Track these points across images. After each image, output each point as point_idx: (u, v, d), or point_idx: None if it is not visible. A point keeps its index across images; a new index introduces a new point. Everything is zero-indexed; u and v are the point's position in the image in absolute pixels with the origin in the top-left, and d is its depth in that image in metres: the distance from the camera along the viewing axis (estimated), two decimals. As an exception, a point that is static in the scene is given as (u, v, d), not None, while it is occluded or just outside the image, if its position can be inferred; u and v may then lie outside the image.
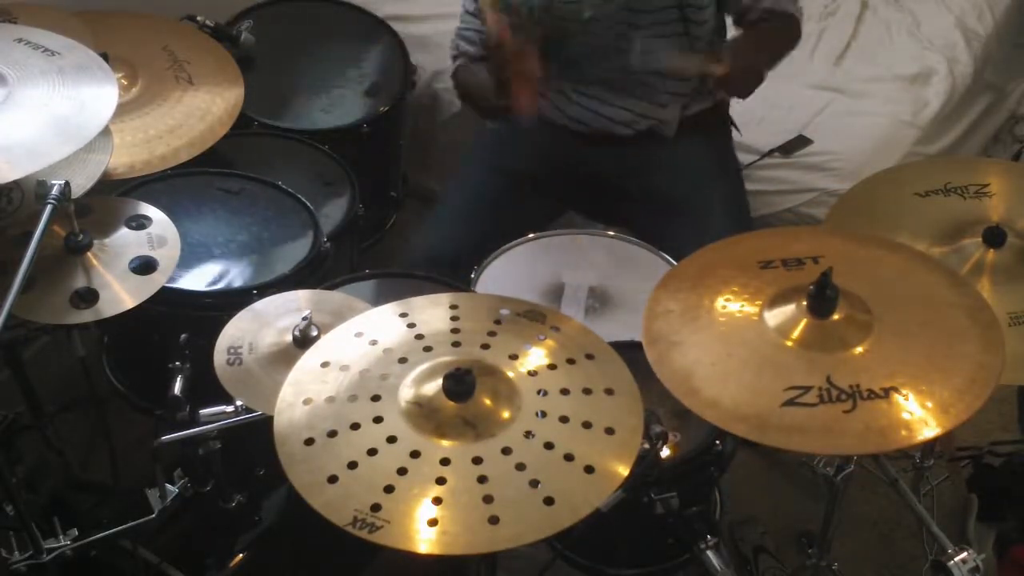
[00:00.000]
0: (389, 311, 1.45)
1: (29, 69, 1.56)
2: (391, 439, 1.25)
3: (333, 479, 1.21)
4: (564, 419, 1.28)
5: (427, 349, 1.37)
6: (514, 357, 1.36)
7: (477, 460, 1.23)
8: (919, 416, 1.30)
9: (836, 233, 1.69)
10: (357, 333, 1.41)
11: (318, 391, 1.32)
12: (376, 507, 1.18)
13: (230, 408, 1.54)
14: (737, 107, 2.31)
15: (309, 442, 1.26)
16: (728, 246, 1.61)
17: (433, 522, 1.17)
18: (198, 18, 2.22)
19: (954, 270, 1.57)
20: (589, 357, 1.37)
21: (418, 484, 1.21)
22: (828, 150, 2.53)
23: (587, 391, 1.32)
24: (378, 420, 1.28)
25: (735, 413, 1.33)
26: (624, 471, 1.24)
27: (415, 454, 1.24)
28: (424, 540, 1.16)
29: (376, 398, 1.30)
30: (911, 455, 2.00)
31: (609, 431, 1.27)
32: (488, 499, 1.19)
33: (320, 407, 1.30)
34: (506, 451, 1.24)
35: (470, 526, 1.17)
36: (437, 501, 1.19)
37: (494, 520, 1.17)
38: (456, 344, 1.38)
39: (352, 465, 1.23)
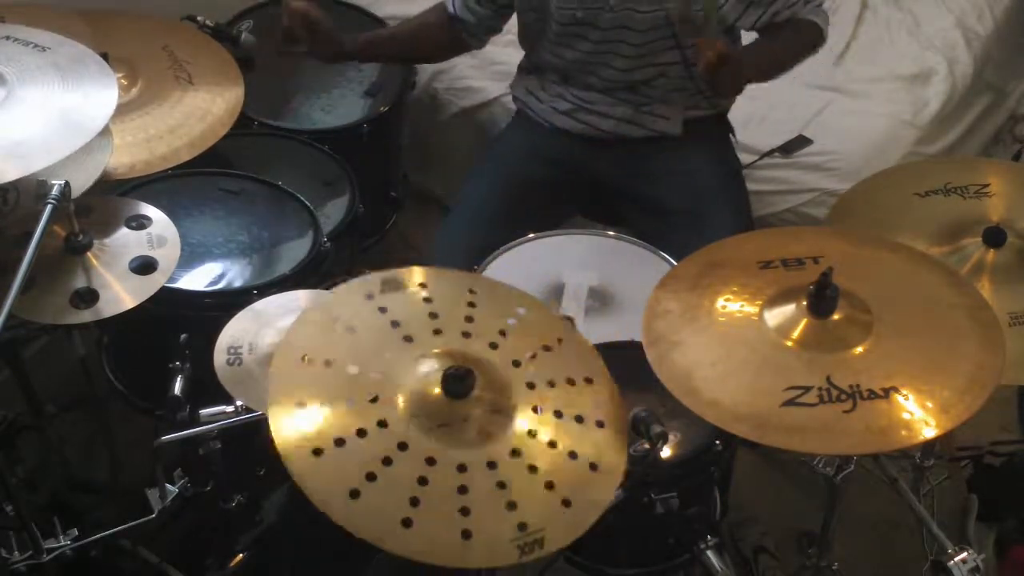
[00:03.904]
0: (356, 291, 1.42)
1: (25, 66, 1.56)
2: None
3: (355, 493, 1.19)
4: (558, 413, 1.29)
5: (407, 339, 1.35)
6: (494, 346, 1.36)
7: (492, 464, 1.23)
8: (919, 416, 1.30)
9: (836, 233, 1.69)
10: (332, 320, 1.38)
11: (310, 396, 1.29)
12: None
13: (230, 408, 1.54)
14: (737, 107, 2.31)
15: (317, 452, 1.23)
16: (728, 246, 1.61)
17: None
18: (198, 18, 2.22)
19: (954, 270, 1.57)
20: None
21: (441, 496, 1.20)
22: (828, 150, 2.53)
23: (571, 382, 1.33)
24: (381, 422, 1.26)
25: (735, 413, 1.33)
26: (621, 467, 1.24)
27: (430, 461, 1.23)
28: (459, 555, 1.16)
29: (375, 400, 1.29)
30: (911, 455, 2.00)
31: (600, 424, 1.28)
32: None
33: (319, 411, 1.28)
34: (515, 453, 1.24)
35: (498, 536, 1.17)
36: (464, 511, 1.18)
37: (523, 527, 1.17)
38: (437, 332, 1.36)
39: (371, 476, 1.20)
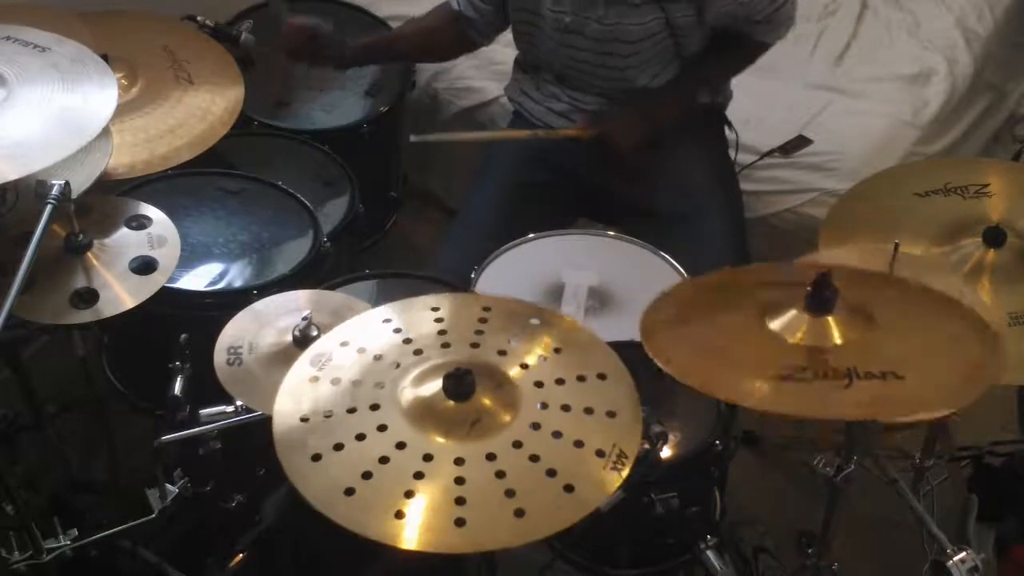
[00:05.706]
0: (374, 317, 1.44)
1: (25, 66, 1.56)
2: (400, 445, 1.24)
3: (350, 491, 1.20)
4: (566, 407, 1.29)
5: (417, 353, 1.36)
6: (503, 353, 1.36)
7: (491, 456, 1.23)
8: (917, 395, 1.30)
9: (834, 253, 1.68)
10: (343, 343, 1.40)
11: (314, 406, 1.30)
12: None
13: (230, 408, 1.54)
14: (738, 107, 2.31)
15: (316, 458, 1.23)
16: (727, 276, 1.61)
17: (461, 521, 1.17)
18: (198, 18, 2.22)
19: (953, 270, 1.57)
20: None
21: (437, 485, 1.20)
22: (828, 150, 2.53)
23: (581, 378, 1.33)
24: (382, 428, 1.26)
25: (736, 388, 1.34)
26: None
27: (427, 457, 1.23)
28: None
29: (375, 407, 1.29)
30: (911, 455, 2.00)
31: (610, 414, 1.28)
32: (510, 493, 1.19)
33: (319, 423, 1.28)
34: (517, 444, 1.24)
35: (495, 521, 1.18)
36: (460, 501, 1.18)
37: (520, 513, 1.18)
38: (446, 345, 1.37)
39: (367, 475, 1.21)
